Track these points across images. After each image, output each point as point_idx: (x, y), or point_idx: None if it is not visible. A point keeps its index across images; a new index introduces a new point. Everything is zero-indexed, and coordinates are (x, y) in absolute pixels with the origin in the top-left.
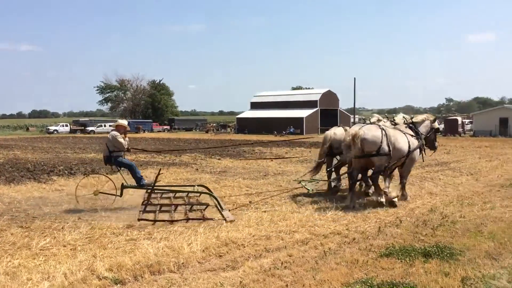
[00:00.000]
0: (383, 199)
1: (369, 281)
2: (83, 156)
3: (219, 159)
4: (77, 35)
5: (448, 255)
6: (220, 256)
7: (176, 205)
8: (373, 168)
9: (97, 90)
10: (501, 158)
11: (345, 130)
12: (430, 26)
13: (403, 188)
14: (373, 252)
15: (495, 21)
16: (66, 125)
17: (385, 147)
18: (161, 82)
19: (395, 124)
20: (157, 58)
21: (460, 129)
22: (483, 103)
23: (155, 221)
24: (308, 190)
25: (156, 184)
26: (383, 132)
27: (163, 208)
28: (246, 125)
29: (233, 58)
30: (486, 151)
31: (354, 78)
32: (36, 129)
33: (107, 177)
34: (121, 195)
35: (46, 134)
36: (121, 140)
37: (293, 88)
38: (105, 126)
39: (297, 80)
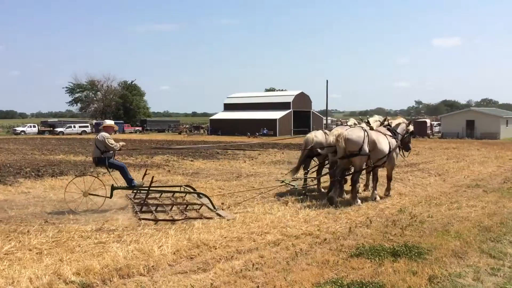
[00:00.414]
0: (359, 203)
1: (340, 281)
2: (51, 157)
3: (191, 160)
4: (45, 33)
5: (416, 254)
6: (191, 258)
7: (172, 205)
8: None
9: (66, 90)
10: (468, 159)
11: (325, 133)
12: (399, 30)
13: (388, 185)
14: (344, 252)
15: (460, 26)
16: (34, 126)
17: (366, 148)
18: (132, 83)
19: (371, 126)
20: (129, 59)
21: (428, 131)
22: (450, 106)
23: (156, 220)
24: (294, 186)
25: (146, 186)
26: (365, 133)
27: (158, 208)
28: (219, 127)
29: (206, 59)
30: (453, 152)
31: (327, 81)
32: (3, 130)
33: (98, 178)
34: (111, 196)
35: (12, 135)
36: (112, 141)
37: (266, 90)
38: (74, 127)
39: (270, 82)
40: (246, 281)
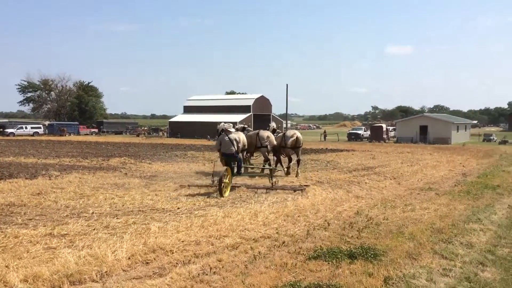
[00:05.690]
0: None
1: (297, 284)
2: (0, 160)
3: (149, 163)
4: None
5: (372, 256)
6: (147, 263)
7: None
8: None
9: (18, 88)
10: (421, 163)
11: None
12: (355, 38)
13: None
14: (302, 255)
15: (412, 35)
16: None
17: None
18: (89, 84)
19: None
20: (88, 60)
21: (384, 136)
22: (405, 111)
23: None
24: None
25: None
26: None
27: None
28: (179, 129)
29: (165, 61)
30: (407, 156)
31: (287, 85)
32: None
33: (228, 169)
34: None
35: None
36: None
37: (227, 93)
38: (26, 128)
39: (230, 85)
40: (203, 286)
